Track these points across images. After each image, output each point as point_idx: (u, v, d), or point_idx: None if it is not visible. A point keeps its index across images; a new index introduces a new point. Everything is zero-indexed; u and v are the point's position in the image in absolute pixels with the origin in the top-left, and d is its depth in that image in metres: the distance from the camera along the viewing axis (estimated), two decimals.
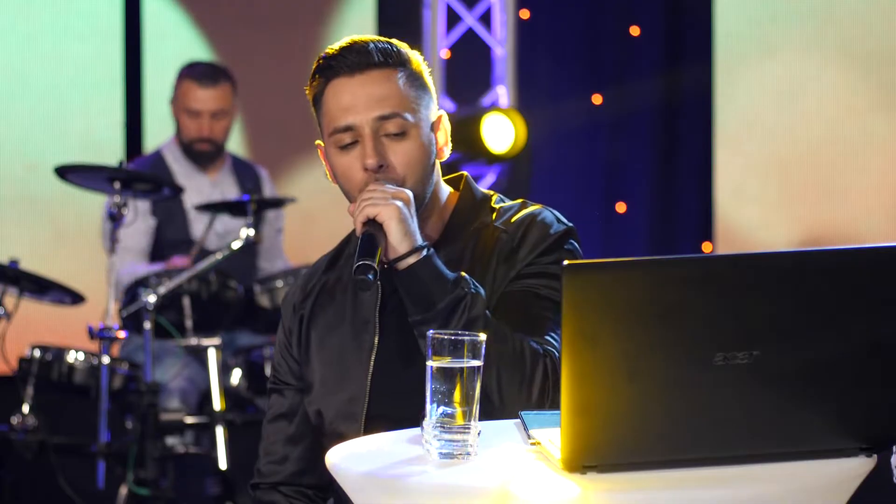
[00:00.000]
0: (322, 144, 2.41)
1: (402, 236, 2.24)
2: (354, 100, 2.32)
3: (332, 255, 2.50)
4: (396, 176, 2.32)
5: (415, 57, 2.39)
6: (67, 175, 4.52)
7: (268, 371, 4.71)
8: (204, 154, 5.05)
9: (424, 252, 2.26)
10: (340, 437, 2.32)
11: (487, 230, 2.40)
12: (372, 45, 2.35)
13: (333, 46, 2.37)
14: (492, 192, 2.48)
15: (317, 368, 2.42)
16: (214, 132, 5.01)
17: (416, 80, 2.37)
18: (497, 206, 2.44)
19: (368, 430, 2.33)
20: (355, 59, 2.33)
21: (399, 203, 2.25)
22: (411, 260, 2.26)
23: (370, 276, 2.19)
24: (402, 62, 2.36)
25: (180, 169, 5.05)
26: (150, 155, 5.26)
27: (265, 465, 2.50)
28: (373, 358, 2.36)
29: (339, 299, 2.42)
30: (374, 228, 2.25)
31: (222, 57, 6.02)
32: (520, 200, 2.47)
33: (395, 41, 2.39)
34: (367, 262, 2.20)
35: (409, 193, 2.29)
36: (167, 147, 5.13)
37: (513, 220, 2.40)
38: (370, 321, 2.38)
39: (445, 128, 2.42)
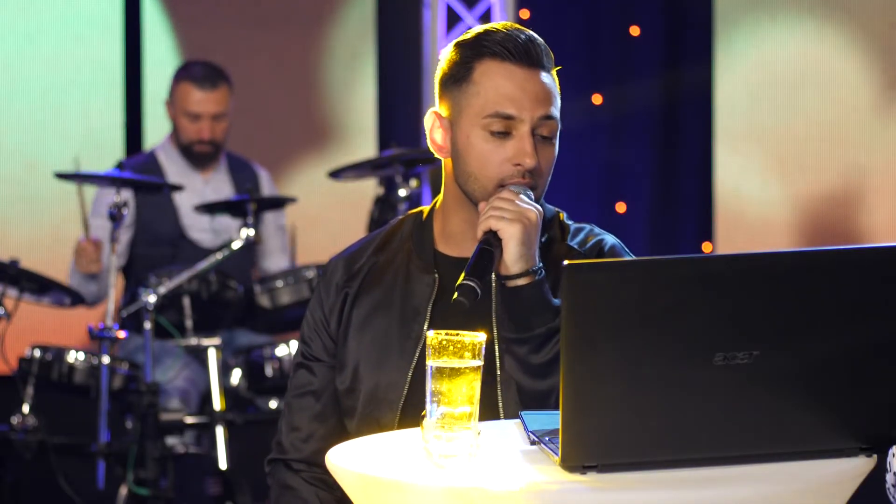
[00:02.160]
0: (441, 114, 2.39)
1: (518, 258, 2.24)
2: (522, 93, 2.32)
3: (384, 236, 2.48)
4: (539, 178, 2.34)
5: (553, 59, 2.41)
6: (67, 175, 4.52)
7: (268, 371, 4.71)
8: (204, 155, 5.05)
9: (536, 276, 2.26)
10: (375, 422, 2.34)
11: (560, 246, 2.42)
12: (540, 44, 2.36)
13: (493, 26, 2.37)
14: (557, 209, 2.50)
15: (353, 348, 2.41)
16: (215, 134, 5.02)
17: (556, 85, 2.39)
18: (566, 224, 2.47)
19: (404, 417, 2.33)
20: (526, 50, 2.33)
21: (525, 222, 2.25)
22: (521, 281, 2.26)
23: (466, 301, 2.15)
24: (553, 65, 2.39)
25: (174, 169, 5.04)
26: (143, 154, 5.25)
27: (288, 441, 2.47)
28: (419, 347, 2.36)
29: (389, 282, 2.42)
30: (493, 239, 2.24)
31: (222, 56, 6.02)
32: (587, 224, 2.49)
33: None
34: (472, 284, 2.16)
35: (538, 211, 2.29)
36: (161, 147, 5.12)
37: (587, 242, 2.43)
38: (422, 311, 2.37)
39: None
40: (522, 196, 2.29)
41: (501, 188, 2.32)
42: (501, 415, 2.31)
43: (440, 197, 2.46)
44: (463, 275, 2.17)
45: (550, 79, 2.37)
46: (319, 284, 2.50)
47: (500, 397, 2.32)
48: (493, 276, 2.36)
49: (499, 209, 2.25)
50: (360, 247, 2.50)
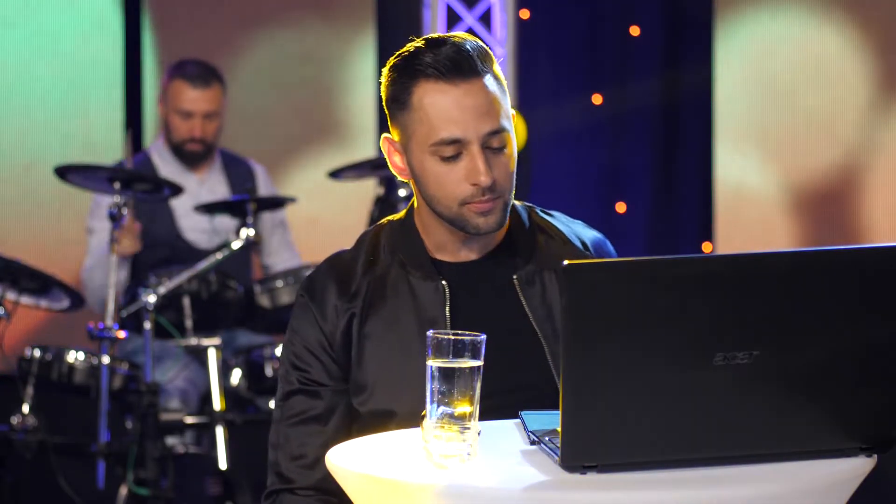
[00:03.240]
0: (393, 139, 2.36)
1: None
2: (462, 113, 2.27)
3: (369, 253, 2.42)
4: (499, 190, 2.30)
5: (491, 53, 2.35)
6: (67, 175, 4.52)
7: (268, 371, 4.71)
8: (195, 154, 5.03)
9: None
10: None
11: (556, 243, 2.41)
12: (470, 51, 2.29)
13: (419, 43, 2.32)
14: (527, 205, 2.48)
15: (373, 369, 2.35)
16: (206, 133, 5.00)
17: (499, 82, 2.34)
18: (544, 216, 2.45)
19: None
20: (456, 65, 2.27)
21: None
22: None
23: None
24: (491, 64, 2.33)
25: (167, 168, 5.03)
26: (137, 155, 5.26)
27: (292, 471, 2.36)
28: None
29: (392, 297, 2.37)
30: None
31: (221, 56, 6.02)
32: (562, 214, 2.48)
33: (475, 39, 2.33)
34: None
35: None
36: (154, 147, 5.12)
37: (584, 239, 2.43)
38: (440, 319, 2.34)
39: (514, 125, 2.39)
40: None
41: (469, 204, 2.29)
42: None
43: (414, 205, 2.43)
44: None
45: (492, 80, 2.31)
46: (307, 307, 2.39)
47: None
48: (514, 277, 2.37)
49: None
50: (343, 266, 2.42)
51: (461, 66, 2.28)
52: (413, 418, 2.28)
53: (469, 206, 2.30)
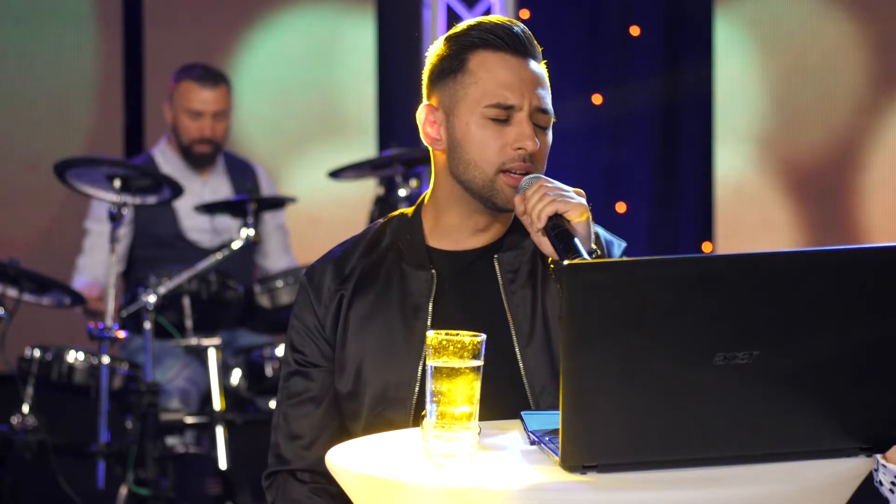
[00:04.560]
0: (434, 105, 2.38)
1: (587, 237, 2.23)
2: (521, 82, 2.34)
3: (371, 240, 2.46)
4: (538, 164, 2.35)
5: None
6: (67, 175, 4.51)
7: (268, 371, 4.71)
8: (203, 155, 5.04)
9: (600, 255, 2.26)
10: (386, 422, 2.30)
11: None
12: (530, 35, 2.38)
13: (481, 19, 2.39)
14: None
15: (354, 350, 2.38)
16: (216, 133, 5.02)
17: (546, 77, 2.41)
18: None
19: (418, 415, 2.29)
20: (519, 42, 2.36)
21: (583, 202, 2.24)
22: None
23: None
24: (539, 53, 2.40)
25: (172, 170, 5.03)
26: (139, 157, 5.26)
27: (290, 451, 2.41)
28: (425, 344, 2.32)
29: (384, 282, 2.40)
30: (560, 221, 2.21)
31: (221, 55, 6.02)
32: None
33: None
34: (581, 259, 2.14)
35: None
36: (158, 149, 5.12)
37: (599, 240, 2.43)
38: (422, 308, 2.36)
39: None
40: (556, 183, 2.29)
41: (505, 173, 2.32)
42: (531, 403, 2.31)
43: (428, 194, 2.45)
44: (568, 259, 2.14)
45: (540, 68, 2.38)
46: (305, 291, 2.44)
47: (527, 389, 2.32)
48: (495, 257, 2.38)
49: (557, 192, 2.23)
50: (344, 251, 2.46)
51: (521, 41, 2.36)
52: (392, 404, 2.33)
53: (504, 176, 2.33)
